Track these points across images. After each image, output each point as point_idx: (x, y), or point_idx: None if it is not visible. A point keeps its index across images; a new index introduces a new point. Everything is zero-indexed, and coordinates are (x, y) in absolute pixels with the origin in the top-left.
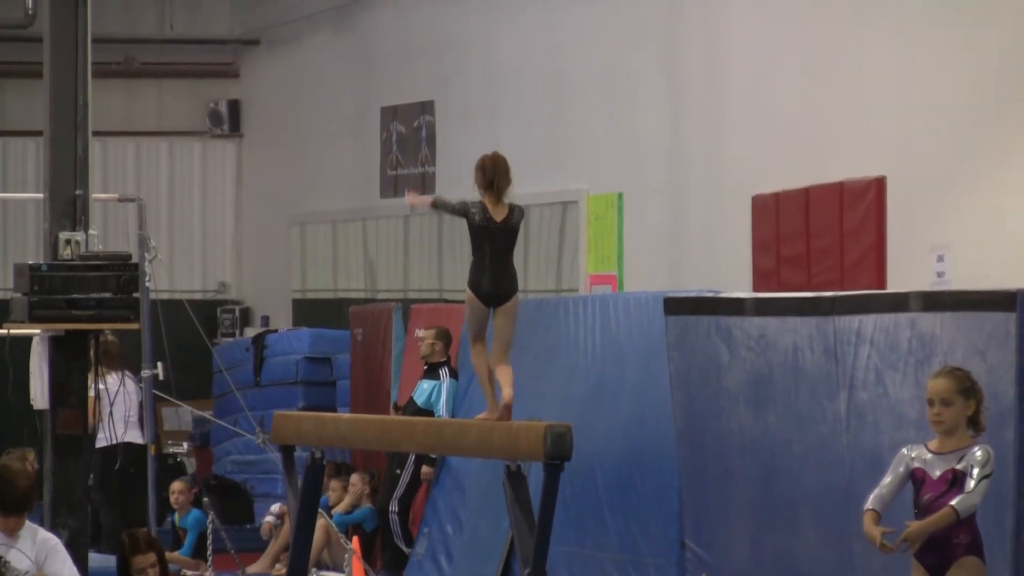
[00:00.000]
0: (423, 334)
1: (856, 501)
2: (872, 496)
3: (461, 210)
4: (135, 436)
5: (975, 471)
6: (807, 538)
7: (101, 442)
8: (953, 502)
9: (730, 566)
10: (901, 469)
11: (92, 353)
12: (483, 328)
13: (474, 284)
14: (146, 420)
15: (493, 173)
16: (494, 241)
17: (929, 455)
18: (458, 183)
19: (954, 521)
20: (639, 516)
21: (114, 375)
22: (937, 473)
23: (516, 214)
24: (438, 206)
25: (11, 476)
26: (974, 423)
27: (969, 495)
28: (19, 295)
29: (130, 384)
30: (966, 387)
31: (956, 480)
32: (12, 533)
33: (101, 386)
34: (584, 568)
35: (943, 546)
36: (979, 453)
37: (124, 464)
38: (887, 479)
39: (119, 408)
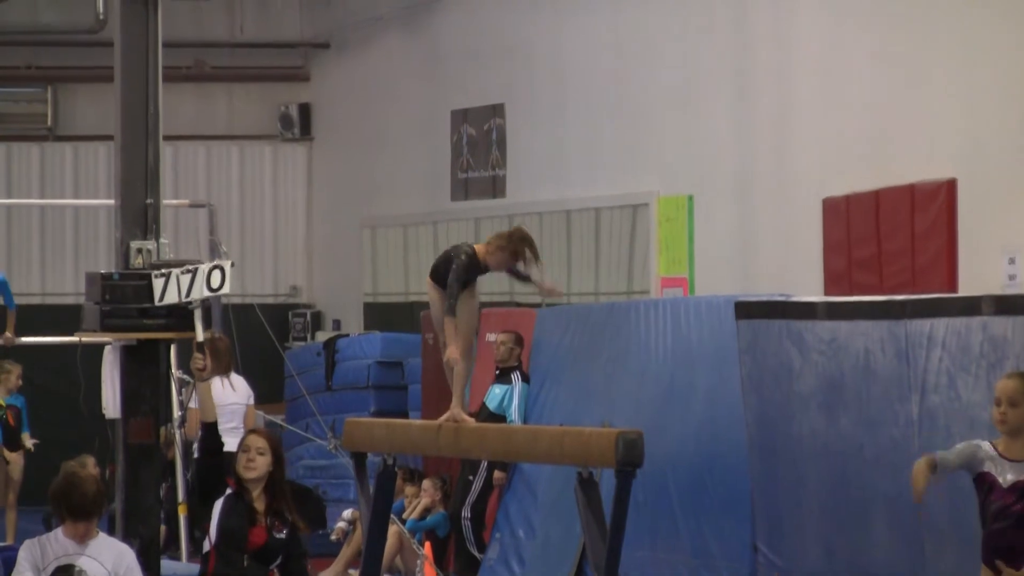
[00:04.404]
0: (498, 338)
1: (927, 504)
2: (940, 452)
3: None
4: (232, 444)
5: None
6: (879, 541)
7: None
8: None
9: (802, 569)
10: (979, 455)
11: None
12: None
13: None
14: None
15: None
16: None
17: (998, 458)
18: (529, 185)
19: None
20: (711, 520)
21: (218, 379)
22: (1009, 478)
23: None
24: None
25: (79, 481)
26: None
27: None
28: (91, 304)
29: (229, 392)
30: None
31: None
32: (82, 540)
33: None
34: (657, 572)
35: (1014, 553)
36: None
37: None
38: (959, 446)
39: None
